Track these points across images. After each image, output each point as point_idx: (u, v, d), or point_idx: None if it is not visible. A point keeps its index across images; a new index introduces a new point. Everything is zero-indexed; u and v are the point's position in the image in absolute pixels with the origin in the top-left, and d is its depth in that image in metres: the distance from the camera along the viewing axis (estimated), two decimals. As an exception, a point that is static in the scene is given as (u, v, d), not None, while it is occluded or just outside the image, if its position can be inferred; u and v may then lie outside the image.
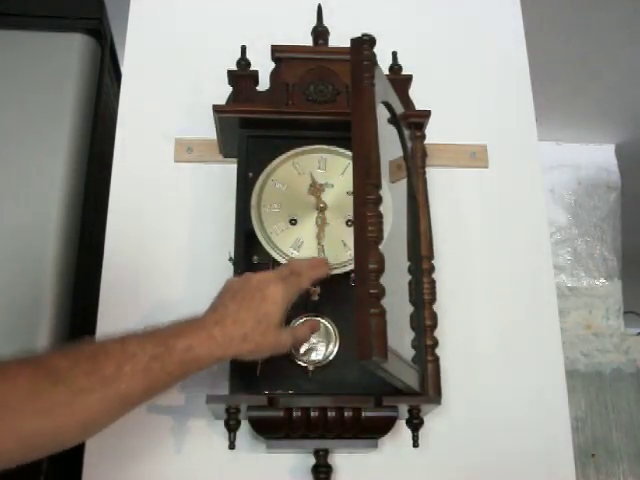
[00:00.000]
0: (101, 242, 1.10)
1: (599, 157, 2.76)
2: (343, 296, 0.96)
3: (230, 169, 1.07)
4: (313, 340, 0.95)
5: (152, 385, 0.74)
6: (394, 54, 1.11)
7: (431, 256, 0.99)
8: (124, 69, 1.24)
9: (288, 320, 0.96)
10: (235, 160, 1.04)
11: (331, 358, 0.95)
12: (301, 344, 0.93)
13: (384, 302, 0.73)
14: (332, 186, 1.02)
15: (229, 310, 0.80)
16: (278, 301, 0.82)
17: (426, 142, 1.06)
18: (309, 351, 0.95)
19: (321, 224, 0.99)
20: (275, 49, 1.06)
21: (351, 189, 0.79)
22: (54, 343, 1.00)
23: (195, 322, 0.79)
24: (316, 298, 0.97)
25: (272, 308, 0.81)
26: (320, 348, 0.95)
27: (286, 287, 0.83)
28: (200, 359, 0.77)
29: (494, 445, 1.03)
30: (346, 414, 0.90)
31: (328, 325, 0.96)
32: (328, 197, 1.01)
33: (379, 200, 0.78)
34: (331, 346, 0.96)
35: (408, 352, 0.95)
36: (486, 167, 1.21)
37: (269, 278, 0.84)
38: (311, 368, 0.94)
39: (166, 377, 0.75)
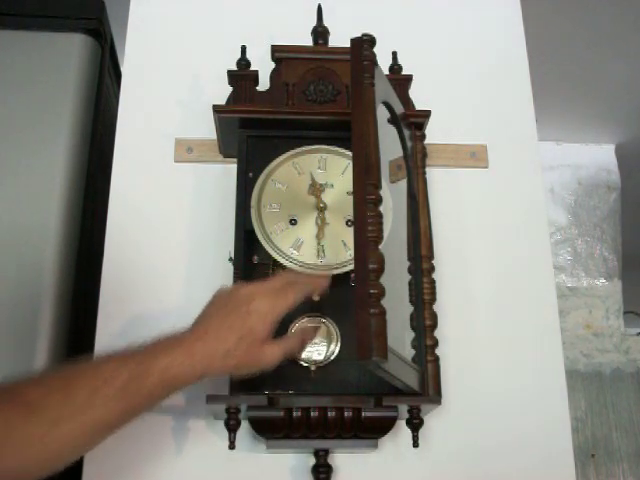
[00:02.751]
0: (101, 242, 1.10)
1: (599, 157, 2.76)
2: (344, 296, 0.96)
3: (230, 169, 1.07)
4: (315, 340, 0.95)
5: (130, 408, 0.71)
6: (394, 54, 1.11)
7: (431, 256, 0.99)
8: (124, 69, 1.24)
9: (290, 320, 0.96)
10: (235, 160, 1.04)
11: (332, 358, 0.95)
12: (293, 357, 0.89)
13: (384, 302, 0.73)
14: (332, 186, 1.02)
15: (212, 325, 0.78)
16: (264, 316, 0.79)
17: (426, 142, 1.06)
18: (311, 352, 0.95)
19: (321, 224, 0.99)
20: (275, 49, 1.06)
21: (351, 189, 0.79)
22: (53, 343, 1.00)
23: (177, 339, 0.76)
24: (317, 299, 0.97)
25: (257, 323, 0.78)
26: (322, 348, 0.95)
27: (274, 301, 0.80)
28: (180, 377, 0.74)
29: (494, 445, 1.03)
30: (346, 414, 0.90)
31: (330, 325, 0.96)
32: (328, 197, 1.01)
33: (379, 200, 0.78)
34: (332, 346, 0.96)
35: (408, 352, 0.95)
36: (486, 167, 1.21)
37: (257, 291, 0.81)
38: (313, 368, 0.94)
39: (144, 399, 0.72)
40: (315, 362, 0.94)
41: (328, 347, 0.95)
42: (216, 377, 0.82)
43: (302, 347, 0.88)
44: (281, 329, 0.95)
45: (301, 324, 0.96)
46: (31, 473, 0.66)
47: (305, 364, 0.94)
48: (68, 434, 0.67)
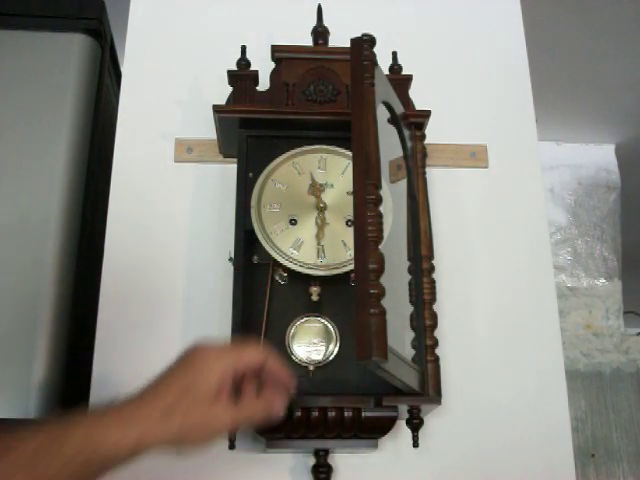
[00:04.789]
0: (101, 241, 1.10)
1: (599, 157, 2.76)
2: (344, 296, 0.96)
3: (230, 169, 1.07)
4: (314, 340, 0.96)
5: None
6: (394, 54, 1.11)
7: (431, 256, 0.99)
8: (124, 69, 1.24)
9: (289, 321, 0.96)
10: (235, 160, 1.04)
11: (332, 358, 0.95)
12: (254, 423, 0.75)
13: (384, 302, 0.73)
14: (332, 186, 1.02)
15: (151, 385, 0.68)
16: (207, 371, 0.67)
17: (426, 142, 1.06)
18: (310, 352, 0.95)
19: (321, 224, 0.99)
20: (275, 49, 1.06)
21: (351, 189, 0.79)
22: (53, 342, 1.00)
23: (111, 405, 0.65)
24: (316, 299, 0.97)
25: (199, 377, 0.67)
26: (320, 348, 0.95)
27: (223, 358, 0.69)
28: (105, 447, 0.61)
29: (494, 445, 1.03)
30: (346, 414, 0.90)
31: (328, 325, 0.96)
32: (328, 197, 1.01)
33: (379, 200, 0.78)
34: (332, 346, 0.96)
35: (408, 352, 0.95)
36: (486, 167, 1.21)
37: (211, 350, 0.70)
38: (312, 368, 0.94)
39: (59, 470, 0.60)
40: (314, 362, 0.94)
41: (327, 347, 0.95)
42: (160, 451, 0.67)
43: (267, 415, 0.73)
44: (279, 330, 0.96)
45: (299, 325, 0.96)
46: None
47: (304, 364, 0.94)
48: None
